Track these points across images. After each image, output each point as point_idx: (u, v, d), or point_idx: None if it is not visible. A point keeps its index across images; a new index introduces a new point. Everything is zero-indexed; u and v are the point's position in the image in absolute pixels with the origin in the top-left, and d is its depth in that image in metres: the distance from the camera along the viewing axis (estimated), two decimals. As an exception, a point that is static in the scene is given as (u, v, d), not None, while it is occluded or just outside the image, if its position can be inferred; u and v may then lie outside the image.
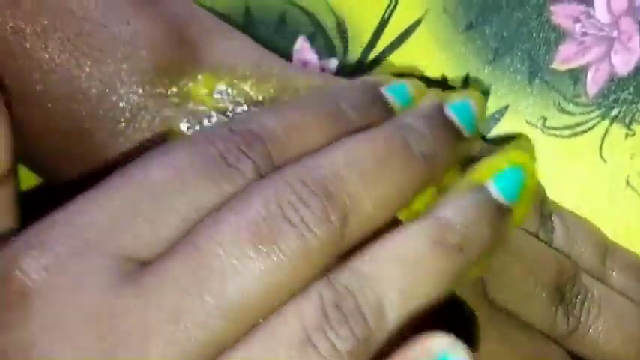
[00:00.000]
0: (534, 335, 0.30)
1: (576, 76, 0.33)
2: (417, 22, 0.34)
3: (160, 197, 0.23)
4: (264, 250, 0.22)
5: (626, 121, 0.33)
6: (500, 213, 0.25)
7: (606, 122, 0.33)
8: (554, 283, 0.30)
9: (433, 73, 0.34)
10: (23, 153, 0.29)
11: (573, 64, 0.33)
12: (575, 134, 0.33)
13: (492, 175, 0.25)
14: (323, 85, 0.29)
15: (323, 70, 0.34)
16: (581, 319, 0.30)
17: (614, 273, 0.32)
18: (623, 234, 0.33)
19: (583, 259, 0.32)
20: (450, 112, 0.27)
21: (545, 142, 0.33)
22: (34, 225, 0.23)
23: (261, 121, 0.25)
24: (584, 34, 0.33)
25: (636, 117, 0.33)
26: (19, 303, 0.22)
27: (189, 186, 0.23)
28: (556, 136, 0.33)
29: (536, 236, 0.31)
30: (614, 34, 0.33)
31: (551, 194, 0.33)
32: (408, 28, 0.34)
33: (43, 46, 0.28)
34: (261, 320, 0.22)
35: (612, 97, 0.33)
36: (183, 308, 0.21)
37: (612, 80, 0.33)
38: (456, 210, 0.24)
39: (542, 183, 0.33)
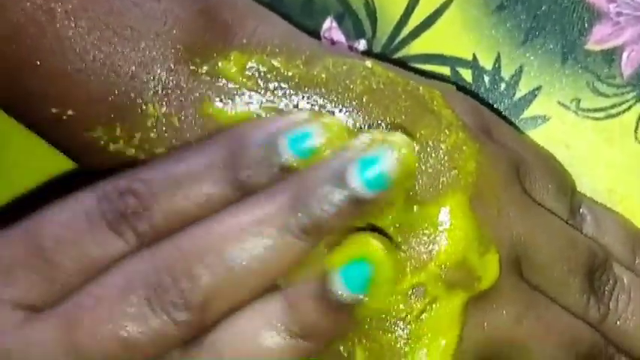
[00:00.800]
0: (569, 319, 0.29)
1: (611, 56, 0.33)
2: (448, 3, 0.33)
3: (50, 252, 0.25)
4: (124, 325, 0.24)
5: (662, 102, 0.32)
6: (340, 311, 0.24)
7: (641, 104, 0.32)
8: (585, 270, 0.30)
9: (463, 54, 0.33)
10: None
11: (608, 45, 0.33)
12: (610, 116, 0.33)
13: (339, 267, 0.24)
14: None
15: (351, 50, 0.34)
16: (611, 307, 0.30)
17: None
18: (657, 218, 0.32)
19: (613, 250, 0.31)
20: (357, 179, 0.24)
21: (579, 124, 0.33)
22: None
23: (147, 178, 0.25)
24: (619, 13, 0.32)
25: (673, 98, 0.32)
26: None
27: (76, 244, 0.25)
28: (590, 117, 0.33)
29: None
30: (650, 13, 0.32)
31: (585, 177, 0.32)
32: (439, 8, 0.33)
33: (74, 25, 0.28)
34: None
35: (648, 78, 0.32)
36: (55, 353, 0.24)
37: (648, 61, 0.32)
38: (297, 300, 0.25)
39: (576, 166, 0.32)
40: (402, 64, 0.33)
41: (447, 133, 0.28)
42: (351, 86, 0.28)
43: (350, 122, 0.28)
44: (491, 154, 0.28)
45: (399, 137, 0.25)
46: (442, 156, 0.28)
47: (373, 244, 0.25)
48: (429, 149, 0.28)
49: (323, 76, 0.28)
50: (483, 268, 0.27)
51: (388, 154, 0.24)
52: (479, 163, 0.28)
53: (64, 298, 0.25)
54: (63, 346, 0.24)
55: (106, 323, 0.24)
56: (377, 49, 0.34)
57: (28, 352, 0.24)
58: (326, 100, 0.28)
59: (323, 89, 0.28)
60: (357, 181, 0.24)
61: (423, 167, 0.27)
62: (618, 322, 0.30)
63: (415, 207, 0.27)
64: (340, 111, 0.28)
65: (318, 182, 0.24)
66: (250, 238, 0.24)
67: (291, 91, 0.28)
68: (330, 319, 0.24)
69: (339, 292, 0.24)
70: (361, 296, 0.24)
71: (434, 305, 0.27)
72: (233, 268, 0.24)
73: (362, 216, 0.25)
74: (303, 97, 0.28)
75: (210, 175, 0.25)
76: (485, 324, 0.28)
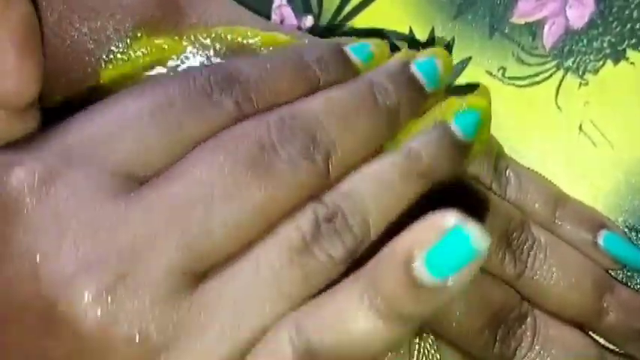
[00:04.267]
0: (483, 276, 0.31)
1: (534, 29, 0.36)
2: (387, -19, 0.37)
3: (153, 122, 0.25)
4: (260, 178, 0.24)
5: (580, 71, 0.35)
6: (459, 147, 0.28)
7: (561, 72, 0.35)
8: (501, 230, 0.32)
9: (401, 29, 0.37)
10: None
11: (531, 18, 0.36)
12: (533, 84, 0.36)
13: (453, 115, 0.28)
14: (294, 43, 0.32)
15: (300, 28, 0.37)
16: (527, 264, 0.32)
17: (563, 224, 0.33)
18: (578, 179, 0.35)
19: (535, 211, 0.33)
20: (416, 70, 0.30)
21: (505, 91, 0.36)
22: (24, 139, 0.25)
23: (238, 66, 0.28)
24: (541, -11, 0.35)
25: (589, 67, 0.35)
26: (15, 212, 0.23)
27: (179, 115, 0.25)
28: (515, 85, 0.36)
29: (490, 189, 0.33)
30: (569, -11, 0.35)
31: (512, 140, 0.35)
32: (379, -14, 0.37)
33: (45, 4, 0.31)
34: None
35: (567, 49, 0.35)
36: (188, 218, 0.23)
37: (567, 33, 0.35)
38: (422, 144, 0.27)
39: (503, 130, 0.35)
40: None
41: None
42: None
43: None
44: None
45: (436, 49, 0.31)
46: None
47: (479, 98, 0.30)
48: None
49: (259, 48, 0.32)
50: None
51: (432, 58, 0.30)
52: None
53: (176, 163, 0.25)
54: (176, 219, 0.24)
55: (234, 187, 0.24)
56: (323, 23, 0.37)
57: (128, 237, 0.23)
58: None
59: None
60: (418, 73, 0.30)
61: None
62: (534, 278, 0.32)
63: None
64: None
65: (389, 72, 0.30)
66: (351, 112, 0.27)
67: (228, 54, 0.31)
68: (452, 157, 0.28)
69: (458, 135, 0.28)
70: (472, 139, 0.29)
71: None
72: (350, 126, 0.27)
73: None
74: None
75: (290, 70, 0.28)
76: None
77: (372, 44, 0.31)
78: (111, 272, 0.23)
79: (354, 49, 0.30)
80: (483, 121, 0.29)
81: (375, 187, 0.26)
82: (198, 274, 0.24)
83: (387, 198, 0.26)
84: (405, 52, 0.31)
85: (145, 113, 0.25)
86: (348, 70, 0.30)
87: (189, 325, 0.23)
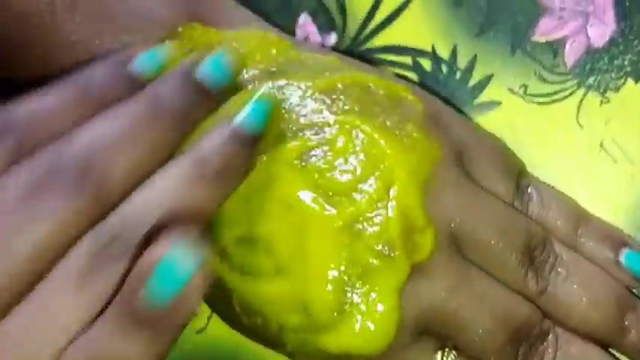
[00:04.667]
0: (504, 291, 0.31)
1: (555, 47, 0.36)
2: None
3: None
4: (32, 215, 0.24)
5: (601, 89, 0.36)
6: (249, 142, 0.27)
7: (582, 90, 0.36)
8: (524, 247, 0.32)
9: (423, 46, 0.37)
10: None
11: (552, 37, 0.36)
12: (554, 101, 0.36)
13: (238, 109, 0.27)
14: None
15: (323, 45, 0.38)
16: (550, 281, 0.32)
17: (585, 241, 0.33)
18: (598, 196, 0.35)
19: (557, 228, 0.33)
20: (202, 71, 0.28)
21: (527, 108, 0.36)
22: None
23: (7, 114, 0.27)
24: (563, 8, 0.36)
25: (610, 85, 0.36)
26: None
27: None
28: (536, 103, 0.36)
29: (512, 205, 0.33)
30: (590, 8, 0.36)
31: (532, 157, 0.36)
32: (402, 4, 0.37)
33: (71, 17, 0.31)
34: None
35: (588, 67, 0.36)
36: None
37: (588, 52, 0.36)
38: (209, 145, 0.26)
39: (524, 147, 0.36)
40: (369, 55, 0.37)
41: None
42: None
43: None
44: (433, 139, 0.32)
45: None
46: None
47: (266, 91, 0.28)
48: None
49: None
50: (420, 241, 0.30)
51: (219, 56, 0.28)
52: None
53: None
54: None
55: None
56: (347, 41, 0.38)
57: None
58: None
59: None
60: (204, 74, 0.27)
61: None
62: (556, 295, 0.32)
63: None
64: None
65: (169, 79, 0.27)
66: (125, 130, 0.26)
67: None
68: (240, 153, 0.27)
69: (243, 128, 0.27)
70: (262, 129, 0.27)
71: (375, 273, 0.30)
72: (130, 148, 0.26)
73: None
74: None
75: (63, 102, 0.27)
76: (422, 294, 0.30)
77: (161, 51, 0.28)
78: None
79: (140, 61, 0.28)
80: (272, 109, 0.27)
81: (158, 200, 0.25)
82: None
83: (176, 208, 0.26)
84: (196, 53, 0.29)
85: None
86: (132, 88, 0.28)
87: None
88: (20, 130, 0.26)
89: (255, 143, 0.27)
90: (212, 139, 0.26)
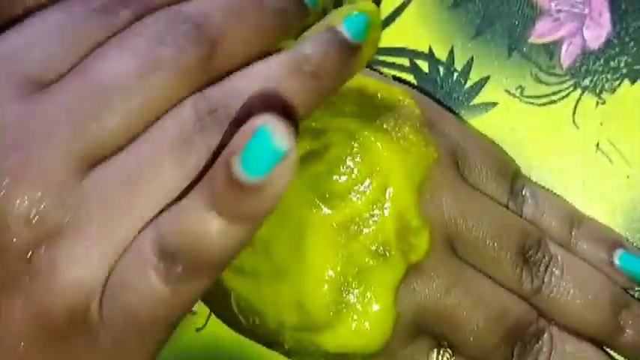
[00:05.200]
0: (499, 291, 0.32)
1: (552, 49, 0.36)
2: (407, 1, 0.37)
3: (59, 32, 0.25)
4: (145, 68, 0.24)
5: (597, 90, 0.36)
6: (349, 48, 0.27)
7: (578, 91, 0.36)
8: (518, 247, 0.32)
9: (421, 47, 0.37)
10: None
11: (549, 39, 0.36)
12: (550, 102, 0.36)
13: (342, 19, 0.27)
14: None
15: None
16: (545, 280, 0.32)
17: (580, 243, 0.34)
18: (595, 196, 0.36)
19: (551, 230, 0.34)
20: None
21: (523, 109, 0.36)
22: None
23: None
24: (559, 10, 0.36)
25: (606, 87, 0.36)
26: None
27: (81, 25, 0.26)
28: (533, 104, 0.36)
29: (507, 207, 0.33)
30: (586, 10, 0.36)
31: (529, 158, 0.36)
32: (399, 6, 0.37)
33: None
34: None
35: (584, 68, 0.36)
36: (81, 110, 0.24)
37: (584, 53, 0.36)
38: (310, 45, 0.26)
39: (520, 148, 0.36)
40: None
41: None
42: None
43: None
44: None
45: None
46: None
47: (368, 3, 0.28)
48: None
49: None
50: (415, 242, 0.30)
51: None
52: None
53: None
54: (67, 122, 0.24)
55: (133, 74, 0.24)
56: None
57: (27, 128, 0.24)
58: None
59: None
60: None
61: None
62: (551, 295, 0.32)
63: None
64: None
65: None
66: (240, 7, 0.26)
67: None
68: (342, 59, 0.27)
69: (348, 37, 0.27)
70: (362, 41, 0.27)
71: (370, 273, 0.30)
72: (240, 23, 0.26)
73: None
74: None
75: None
76: (417, 294, 0.30)
77: None
78: (10, 158, 0.23)
79: None
80: (372, 22, 0.28)
81: (259, 83, 0.26)
82: (92, 163, 0.24)
83: (266, 91, 0.26)
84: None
85: (54, 26, 0.26)
86: None
87: (80, 211, 0.24)
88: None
89: (355, 52, 0.27)
90: (314, 40, 0.27)
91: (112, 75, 0.24)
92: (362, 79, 0.32)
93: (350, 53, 0.27)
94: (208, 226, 0.23)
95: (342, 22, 0.27)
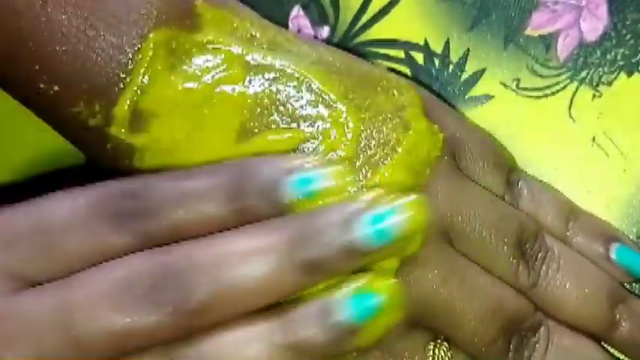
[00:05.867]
0: (495, 283, 0.31)
1: (548, 41, 0.36)
2: (403, -8, 0.37)
3: (57, 231, 0.27)
4: (124, 310, 0.26)
5: (594, 83, 0.36)
6: (346, 332, 0.26)
7: (575, 84, 0.36)
8: (515, 240, 0.32)
9: (416, 39, 0.37)
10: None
11: (545, 31, 0.36)
12: (546, 95, 0.36)
13: (348, 296, 0.26)
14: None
15: (316, 38, 0.37)
16: (541, 274, 0.32)
17: (576, 237, 0.34)
18: (591, 189, 0.35)
19: (547, 223, 0.33)
20: (363, 230, 0.26)
21: (519, 102, 0.36)
22: None
23: (154, 188, 0.27)
24: (556, 2, 0.36)
25: (603, 79, 0.36)
26: None
27: (82, 231, 0.27)
28: (529, 96, 0.36)
29: (503, 200, 0.33)
30: (583, 2, 0.36)
31: (525, 150, 0.36)
32: (394, -3, 0.37)
33: (63, 10, 0.31)
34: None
35: (581, 60, 0.36)
36: (50, 329, 0.26)
37: (581, 45, 0.36)
38: (301, 318, 0.27)
39: (516, 141, 0.36)
40: (361, 49, 0.37)
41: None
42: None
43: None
44: None
45: (412, 198, 0.26)
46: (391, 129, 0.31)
47: (382, 280, 0.27)
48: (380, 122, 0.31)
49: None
50: None
51: (399, 213, 0.26)
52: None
53: (62, 279, 0.27)
54: (54, 320, 0.26)
55: (103, 309, 0.26)
56: (339, 34, 0.37)
57: (16, 321, 0.26)
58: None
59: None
60: (363, 231, 0.26)
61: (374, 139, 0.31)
62: (548, 289, 0.32)
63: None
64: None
65: (325, 224, 0.26)
66: (252, 261, 0.26)
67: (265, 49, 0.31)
68: (328, 338, 0.26)
69: (343, 317, 0.26)
70: (366, 323, 0.26)
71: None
72: (231, 285, 0.26)
73: (363, 262, 0.27)
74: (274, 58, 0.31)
75: (215, 196, 0.27)
76: (413, 285, 0.30)
77: (323, 177, 0.27)
78: None
79: (296, 183, 0.27)
80: (385, 307, 0.26)
81: (236, 351, 0.26)
82: None
83: None
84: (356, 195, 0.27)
85: (45, 228, 0.27)
86: (276, 206, 0.27)
87: None
88: (157, 211, 0.27)
89: (355, 334, 0.26)
90: (308, 313, 0.27)
91: (81, 303, 0.26)
92: (358, 67, 0.32)
93: (344, 334, 0.26)
94: None
95: (348, 299, 0.26)
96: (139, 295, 0.26)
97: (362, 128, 0.30)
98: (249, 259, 0.26)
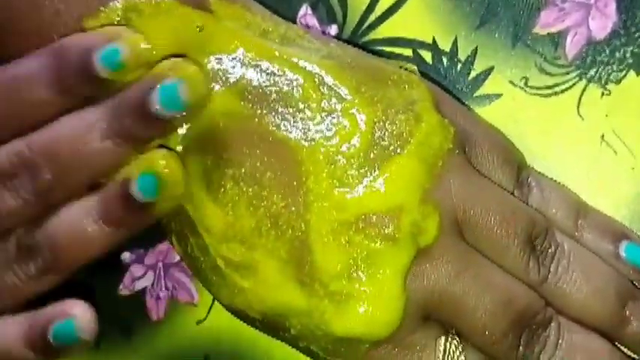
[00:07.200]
0: (507, 278, 0.31)
1: (556, 39, 0.36)
2: (411, -9, 0.37)
3: None
4: None
5: (602, 81, 0.36)
6: (136, 205, 0.30)
7: (583, 82, 0.36)
8: (526, 235, 0.32)
9: (424, 37, 0.37)
10: None
11: (553, 29, 0.36)
12: (555, 93, 0.36)
13: (138, 174, 0.30)
14: None
15: (324, 34, 0.37)
16: (551, 269, 0.32)
17: (585, 234, 0.34)
18: (599, 187, 0.35)
19: (557, 220, 0.34)
20: (155, 103, 0.29)
21: (528, 100, 0.36)
22: None
23: None
24: (564, 0, 0.36)
25: (611, 77, 0.36)
26: None
27: None
28: (537, 95, 0.36)
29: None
30: (592, 0, 0.36)
31: (533, 149, 0.36)
32: (402, -4, 0.37)
33: None
34: None
35: (589, 59, 0.36)
36: None
37: (589, 44, 0.36)
38: (102, 198, 0.30)
39: (525, 139, 0.36)
40: (369, 47, 0.37)
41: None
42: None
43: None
44: None
45: (192, 69, 0.29)
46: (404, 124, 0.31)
47: (159, 162, 0.30)
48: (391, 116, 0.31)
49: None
50: (425, 225, 0.30)
51: (183, 84, 0.29)
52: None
53: None
54: None
55: None
56: (347, 33, 0.37)
57: None
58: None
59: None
60: (158, 104, 0.29)
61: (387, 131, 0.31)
62: (557, 284, 0.32)
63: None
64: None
65: (128, 101, 0.29)
66: (79, 137, 0.30)
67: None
68: (132, 214, 0.30)
69: (138, 195, 0.30)
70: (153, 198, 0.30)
71: (380, 256, 0.30)
72: (68, 166, 0.30)
73: (164, 131, 0.30)
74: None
75: (42, 80, 0.29)
76: (426, 277, 0.30)
77: (124, 48, 0.29)
78: None
79: (104, 57, 0.29)
80: (164, 182, 0.30)
81: (67, 227, 0.30)
82: None
83: (77, 240, 0.30)
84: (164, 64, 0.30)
85: None
86: (95, 83, 0.30)
87: None
88: None
89: (147, 208, 0.30)
90: (107, 193, 0.31)
91: None
92: (369, 62, 0.32)
93: (138, 209, 0.30)
94: None
95: (138, 177, 0.29)
96: None
97: (375, 120, 0.30)
98: (76, 136, 0.30)
